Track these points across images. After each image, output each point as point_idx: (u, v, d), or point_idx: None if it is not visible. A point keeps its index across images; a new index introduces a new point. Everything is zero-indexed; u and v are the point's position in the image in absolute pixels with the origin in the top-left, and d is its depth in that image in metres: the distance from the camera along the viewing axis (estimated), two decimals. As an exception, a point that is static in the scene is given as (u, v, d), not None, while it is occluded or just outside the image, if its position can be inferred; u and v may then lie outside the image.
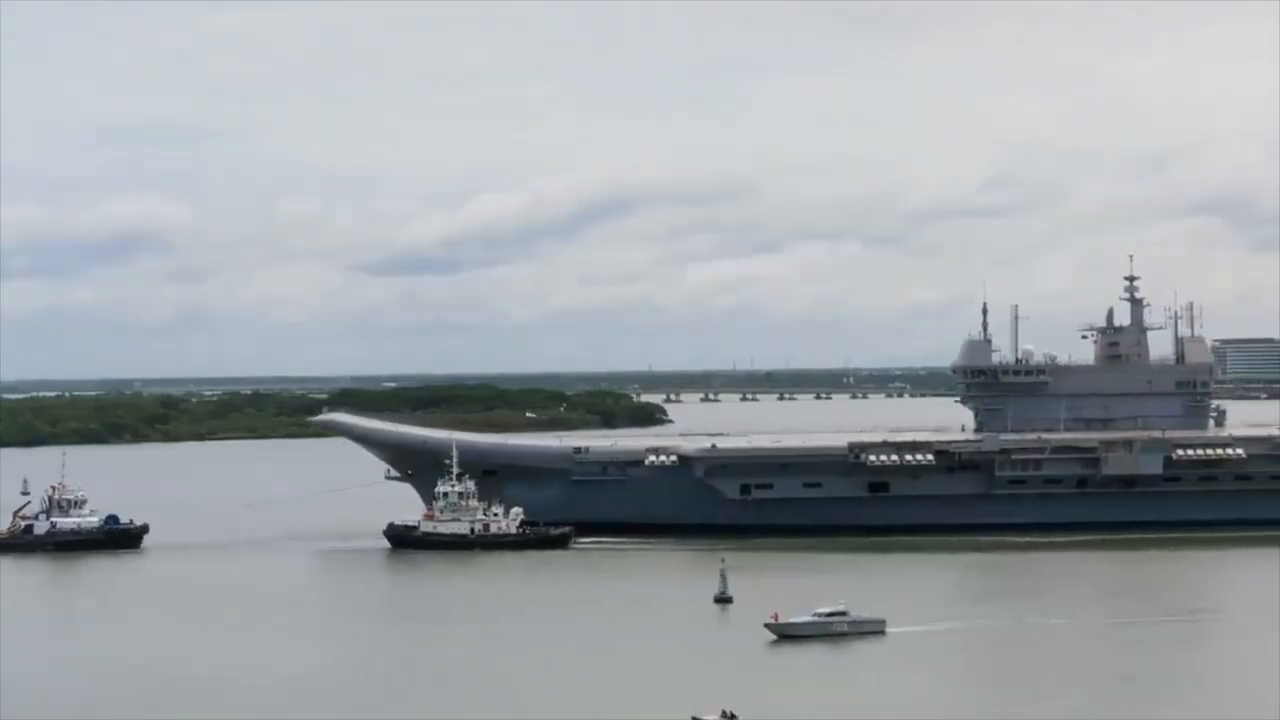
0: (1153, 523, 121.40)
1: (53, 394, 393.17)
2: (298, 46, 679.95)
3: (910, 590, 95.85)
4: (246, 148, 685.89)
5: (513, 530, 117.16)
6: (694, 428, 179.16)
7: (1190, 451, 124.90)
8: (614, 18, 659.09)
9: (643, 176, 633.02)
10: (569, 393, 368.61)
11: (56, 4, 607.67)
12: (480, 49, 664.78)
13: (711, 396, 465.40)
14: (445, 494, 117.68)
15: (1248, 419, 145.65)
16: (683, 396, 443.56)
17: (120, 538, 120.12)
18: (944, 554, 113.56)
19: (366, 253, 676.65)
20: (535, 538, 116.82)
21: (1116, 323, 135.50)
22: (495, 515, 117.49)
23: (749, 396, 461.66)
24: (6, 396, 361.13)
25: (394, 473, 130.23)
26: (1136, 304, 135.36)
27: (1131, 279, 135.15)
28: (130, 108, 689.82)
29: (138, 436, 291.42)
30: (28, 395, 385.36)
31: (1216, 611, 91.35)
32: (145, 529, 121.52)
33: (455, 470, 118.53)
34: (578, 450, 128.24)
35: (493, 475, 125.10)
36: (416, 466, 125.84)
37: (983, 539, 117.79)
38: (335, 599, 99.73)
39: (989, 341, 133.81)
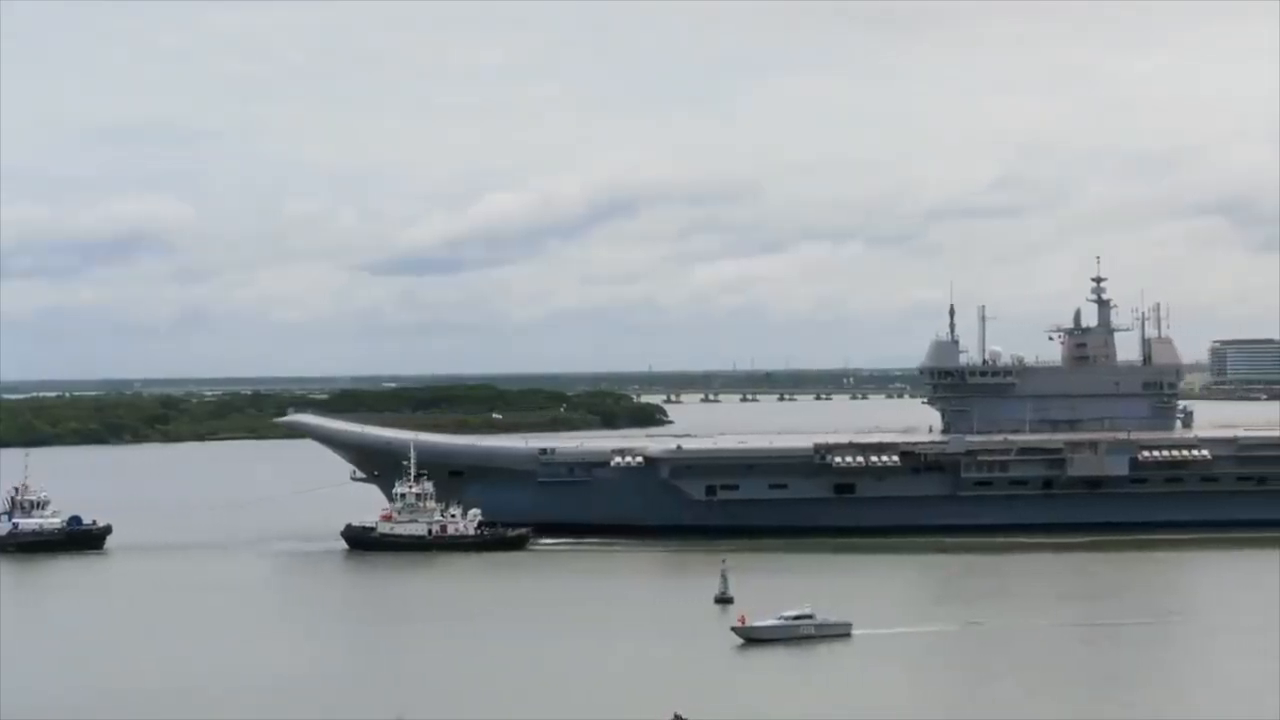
0: (1119, 524, 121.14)
1: (53, 394, 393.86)
2: (298, 46, 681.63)
3: (876, 592, 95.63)
4: (247, 148, 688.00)
5: (471, 531, 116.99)
6: (694, 428, 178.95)
7: (1156, 453, 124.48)
8: (615, 18, 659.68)
9: (646, 177, 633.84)
10: (569, 393, 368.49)
11: (56, 4, 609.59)
12: (481, 49, 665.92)
13: (711, 397, 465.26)
14: (403, 495, 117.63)
15: (1246, 420, 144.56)
16: (683, 397, 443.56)
17: (82, 539, 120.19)
18: (910, 555, 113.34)
19: (368, 253, 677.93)
20: (493, 539, 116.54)
21: (1084, 324, 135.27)
22: (453, 516, 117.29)
23: (749, 397, 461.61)
24: (6, 396, 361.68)
25: (359, 474, 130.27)
26: (1104, 305, 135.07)
27: (1098, 280, 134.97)
28: (130, 108, 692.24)
29: (138, 437, 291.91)
30: (28, 395, 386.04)
31: (1183, 613, 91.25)
32: (108, 530, 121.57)
33: (413, 471, 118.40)
34: (543, 451, 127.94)
35: (459, 476, 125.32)
36: (381, 467, 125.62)
37: (949, 540, 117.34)
38: (290, 601, 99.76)
39: (956, 343, 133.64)
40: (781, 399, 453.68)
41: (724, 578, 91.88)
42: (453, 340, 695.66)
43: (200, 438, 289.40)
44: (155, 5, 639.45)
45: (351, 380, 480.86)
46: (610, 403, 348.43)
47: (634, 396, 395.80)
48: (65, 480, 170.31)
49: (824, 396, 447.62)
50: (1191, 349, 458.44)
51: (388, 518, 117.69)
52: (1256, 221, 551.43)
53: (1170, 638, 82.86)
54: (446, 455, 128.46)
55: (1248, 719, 64.31)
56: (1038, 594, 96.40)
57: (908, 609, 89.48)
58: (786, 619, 79.59)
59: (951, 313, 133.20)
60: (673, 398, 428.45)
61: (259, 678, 72.88)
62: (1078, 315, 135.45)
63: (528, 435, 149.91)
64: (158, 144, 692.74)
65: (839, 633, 79.75)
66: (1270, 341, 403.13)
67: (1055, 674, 72.49)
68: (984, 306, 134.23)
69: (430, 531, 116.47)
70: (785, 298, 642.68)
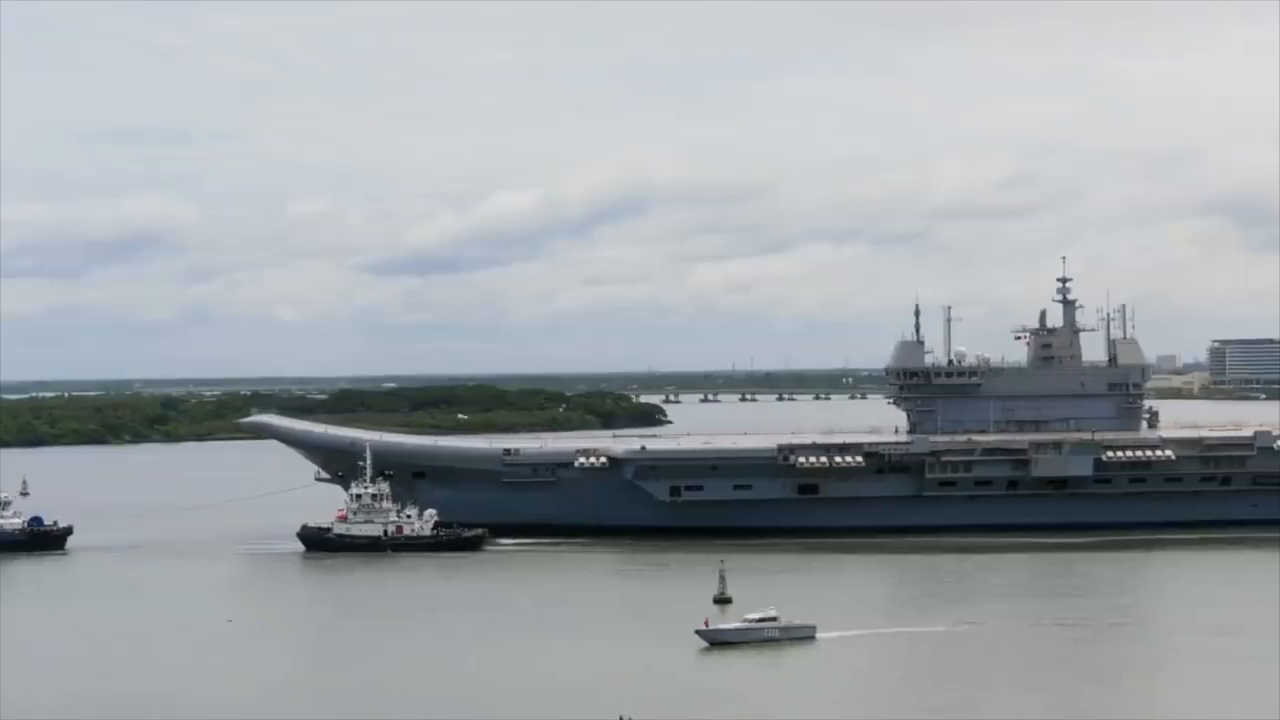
0: (1083, 524, 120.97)
1: (52, 394, 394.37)
2: (299, 46, 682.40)
3: (842, 594, 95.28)
4: (249, 148, 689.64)
5: (426, 532, 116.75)
6: (692, 428, 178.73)
7: (1120, 453, 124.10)
8: (621, 17, 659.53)
9: (650, 177, 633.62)
10: (569, 393, 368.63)
11: (56, 4, 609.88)
12: (486, 48, 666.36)
13: (711, 397, 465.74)
14: (358, 495, 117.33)
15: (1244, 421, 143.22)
16: (682, 397, 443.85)
17: (43, 539, 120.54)
18: (874, 556, 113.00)
19: (370, 253, 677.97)
20: (449, 540, 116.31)
21: (1049, 324, 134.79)
22: (408, 517, 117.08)
23: (748, 397, 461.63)
24: (6, 397, 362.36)
25: (324, 475, 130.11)
26: (1069, 305, 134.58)
27: (1064, 280, 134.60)
28: (131, 108, 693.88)
29: (138, 437, 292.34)
30: (27, 395, 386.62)
31: (1144, 613, 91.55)
32: (69, 531, 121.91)
33: (369, 472, 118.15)
34: (507, 452, 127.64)
35: (423, 477, 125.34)
36: (345, 468, 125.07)
37: (913, 541, 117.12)
38: (239, 603, 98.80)
39: (921, 343, 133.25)
40: (781, 399, 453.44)
41: (722, 578, 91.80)
42: (454, 340, 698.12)
43: (200, 438, 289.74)
44: (155, 5, 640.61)
45: (351, 380, 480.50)
46: (610, 403, 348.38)
47: (633, 397, 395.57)
48: (48, 482, 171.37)
49: (824, 396, 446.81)
50: (1192, 348, 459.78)
51: (343, 518, 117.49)
52: (1259, 222, 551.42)
53: (1129, 638, 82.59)
54: (411, 456, 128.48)
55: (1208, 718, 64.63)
56: (1001, 595, 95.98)
57: (871, 612, 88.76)
58: (750, 622, 79.43)
59: (917, 313, 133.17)
60: (671, 397, 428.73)
61: (203, 680, 72.90)
62: (1043, 316, 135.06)
63: (491, 436, 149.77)
64: (159, 144, 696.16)
65: (803, 635, 79.44)
66: (1270, 341, 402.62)
67: (1016, 676, 72.15)
68: (950, 307, 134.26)
69: (386, 532, 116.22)
70: (787, 298, 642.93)
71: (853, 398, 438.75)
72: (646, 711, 61.51)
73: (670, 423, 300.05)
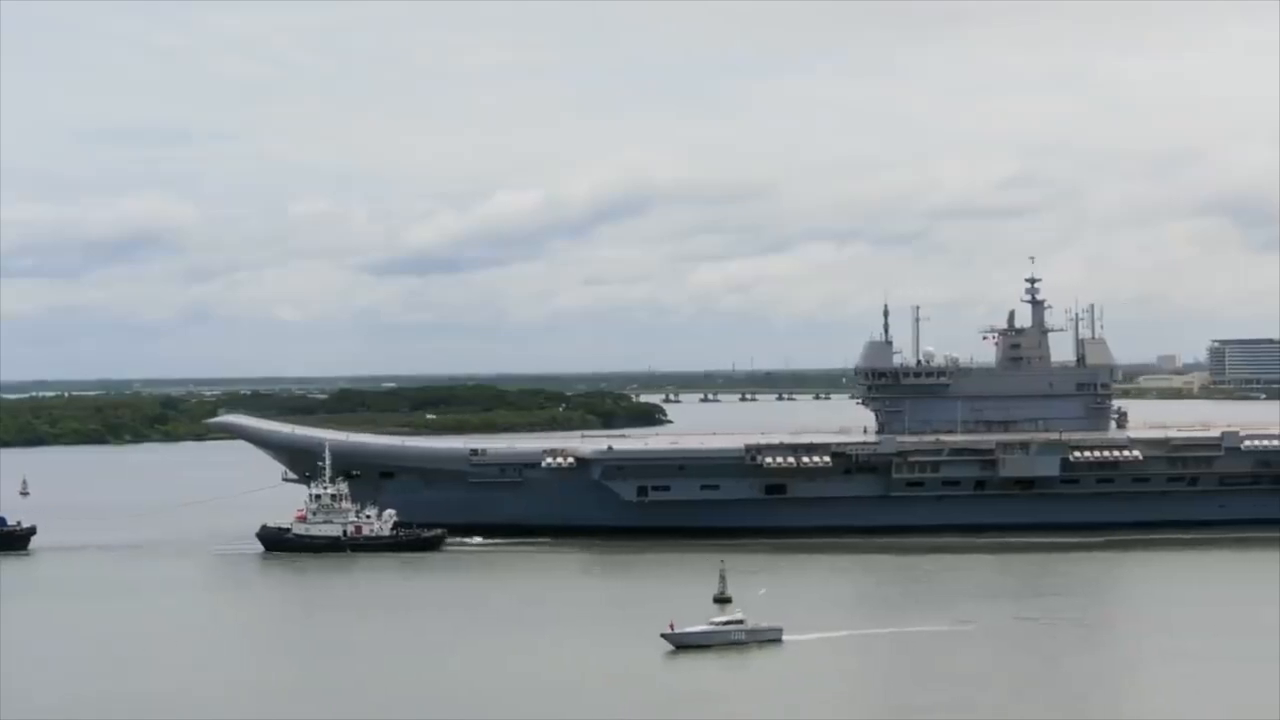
0: (1050, 524, 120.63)
1: (52, 394, 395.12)
2: (299, 46, 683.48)
3: (808, 595, 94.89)
4: (249, 148, 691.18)
5: (386, 532, 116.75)
6: (692, 427, 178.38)
7: (1087, 453, 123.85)
8: (622, 17, 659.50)
9: (651, 177, 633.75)
10: (569, 393, 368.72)
11: (56, 4, 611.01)
12: (487, 48, 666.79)
13: (711, 397, 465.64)
14: (317, 496, 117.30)
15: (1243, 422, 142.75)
16: (682, 396, 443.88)
17: (6, 540, 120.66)
18: (841, 556, 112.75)
19: (370, 253, 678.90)
20: (408, 540, 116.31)
21: (1018, 324, 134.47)
22: (368, 517, 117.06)
23: (748, 397, 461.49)
24: (6, 397, 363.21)
25: (291, 475, 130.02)
26: (1038, 305, 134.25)
27: (1033, 280, 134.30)
28: (131, 108, 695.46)
29: (138, 437, 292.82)
30: (27, 395, 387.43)
31: (1112, 613, 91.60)
32: (33, 531, 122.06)
33: (328, 472, 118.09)
34: (474, 452, 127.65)
35: (391, 477, 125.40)
36: (311, 468, 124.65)
37: (881, 541, 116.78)
38: (193, 604, 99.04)
39: (890, 343, 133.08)
40: (781, 399, 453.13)
41: (722, 577, 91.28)
42: (454, 340, 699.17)
43: (200, 438, 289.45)
44: (155, 5, 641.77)
45: (351, 380, 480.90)
46: (609, 403, 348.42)
47: (633, 396, 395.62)
48: (48, 481, 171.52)
49: (824, 396, 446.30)
50: (1192, 348, 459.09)
51: (303, 518, 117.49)
52: (1259, 222, 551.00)
53: (1098, 639, 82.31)
54: (379, 456, 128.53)
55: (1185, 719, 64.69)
56: (969, 596, 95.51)
57: (840, 612, 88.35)
58: (716, 624, 79.26)
59: (885, 313, 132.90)
60: (671, 397, 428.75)
61: (171, 682, 72.71)
62: (1011, 316, 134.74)
63: (464, 436, 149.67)
64: (159, 144, 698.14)
65: (770, 638, 79.13)
66: (1270, 341, 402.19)
67: (987, 678, 71.88)
68: (918, 307, 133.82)
69: (345, 532, 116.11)
70: (787, 298, 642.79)
71: (853, 397, 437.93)
72: (607, 714, 60.94)
73: (671, 422, 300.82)
